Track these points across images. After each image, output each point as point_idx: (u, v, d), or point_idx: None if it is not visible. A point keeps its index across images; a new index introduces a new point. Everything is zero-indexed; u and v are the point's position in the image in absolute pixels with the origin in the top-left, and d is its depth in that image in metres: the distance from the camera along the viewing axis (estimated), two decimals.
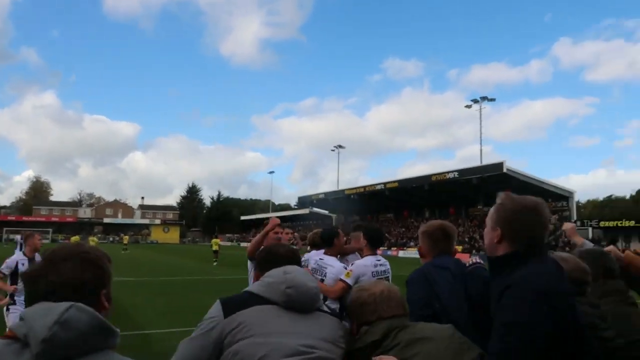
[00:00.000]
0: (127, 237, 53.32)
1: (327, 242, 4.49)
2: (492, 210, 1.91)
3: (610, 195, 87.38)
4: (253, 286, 1.76)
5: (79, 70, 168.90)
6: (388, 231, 60.52)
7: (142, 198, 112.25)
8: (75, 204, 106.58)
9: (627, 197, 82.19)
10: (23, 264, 5.96)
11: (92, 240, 30.42)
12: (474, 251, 43.66)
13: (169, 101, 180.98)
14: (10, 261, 6.06)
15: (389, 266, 4.30)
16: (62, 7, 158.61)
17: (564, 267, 2.00)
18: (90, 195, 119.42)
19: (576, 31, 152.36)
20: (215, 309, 1.68)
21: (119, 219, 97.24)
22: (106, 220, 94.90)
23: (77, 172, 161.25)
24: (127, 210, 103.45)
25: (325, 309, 1.85)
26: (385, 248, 50.04)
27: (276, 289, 1.68)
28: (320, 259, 4.39)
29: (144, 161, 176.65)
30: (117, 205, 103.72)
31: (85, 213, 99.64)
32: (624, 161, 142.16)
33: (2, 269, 6.06)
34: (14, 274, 6.01)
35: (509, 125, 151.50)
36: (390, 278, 4.18)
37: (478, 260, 2.34)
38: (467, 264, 2.31)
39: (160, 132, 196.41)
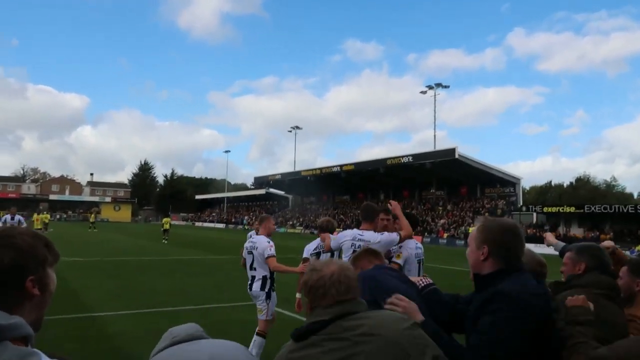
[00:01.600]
0: (92, 215, 48.41)
1: (370, 217, 4.73)
2: (475, 231, 2.10)
3: (550, 182, 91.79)
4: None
5: (21, 34, 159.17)
6: (344, 213, 61.33)
7: (92, 174, 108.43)
8: (18, 179, 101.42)
9: (567, 183, 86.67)
10: None
11: (45, 218, 29.15)
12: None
13: (121, 73, 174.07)
14: None
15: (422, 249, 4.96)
16: None
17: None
18: (35, 170, 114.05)
19: (530, 22, 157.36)
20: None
21: (66, 196, 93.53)
22: (52, 197, 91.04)
23: (21, 145, 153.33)
24: (75, 186, 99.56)
25: None
26: (340, 229, 50.68)
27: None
28: (360, 234, 4.56)
29: (93, 136, 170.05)
30: (64, 181, 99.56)
31: (29, 189, 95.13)
32: (569, 149, 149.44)
33: None
34: None
35: (464, 111, 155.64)
36: (423, 261, 4.87)
37: (429, 281, 2.47)
38: (419, 286, 2.43)
39: (112, 105, 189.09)
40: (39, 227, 27.06)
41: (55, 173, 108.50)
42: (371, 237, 4.45)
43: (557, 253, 3.50)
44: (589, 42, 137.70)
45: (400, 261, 4.56)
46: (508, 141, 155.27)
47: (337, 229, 5.93)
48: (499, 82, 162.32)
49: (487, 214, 46.52)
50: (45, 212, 41.39)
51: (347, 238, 4.58)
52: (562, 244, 3.53)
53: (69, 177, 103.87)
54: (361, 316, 1.61)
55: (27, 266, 1.18)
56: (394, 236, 4.48)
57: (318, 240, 5.76)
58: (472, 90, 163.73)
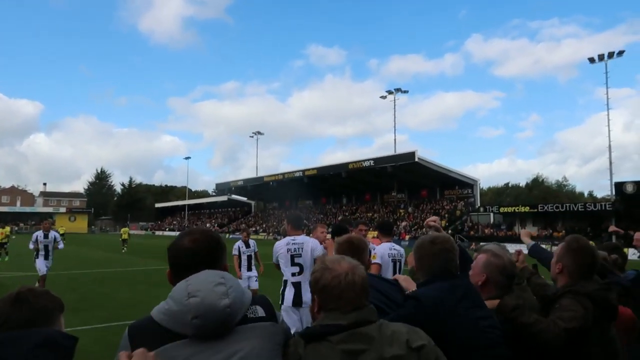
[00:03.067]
0: (62, 228, 46.09)
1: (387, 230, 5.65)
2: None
3: (508, 183, 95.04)
4: (156, 311, 1.50)
5: None
6: (307, 217, 61.33)
7: (45, 184, 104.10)
8: None
9: (522, 184, 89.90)
10: None
11: (6, 230, 27.84)
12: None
13: (78, 79, 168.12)
14: None
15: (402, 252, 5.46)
16: None
17: (496, 263, 2.35)
18: None
19: (487, 29, 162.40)
20: (123, 342, 1.47)
21: (18, 207, 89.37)
22: (2, 208, 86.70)
23: None
24: (27, 197, 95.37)
25: (257, 311, 1.57)
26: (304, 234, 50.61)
27: (181, 321, 1.41)
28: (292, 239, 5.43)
29: (47, 144, 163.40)
30: (14, 191, 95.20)
31: None
32: (524, 151, 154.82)
33: None
34: None
35: (424, 115, 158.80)
36: (401, 262, 5.38)
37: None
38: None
39: (68, 112, 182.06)
40: (4, 240, 25.58)
41: (5, 183, 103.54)
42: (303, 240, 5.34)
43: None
44: (542, 49, 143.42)
45: (377, 260, 5.09)
46: (466, 144, 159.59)
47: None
48: (457, 86, 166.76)
49: (447, 215, 47.65)
50: (5, 226, 39.50)
51: (281, 249, 5.33)
52: (532, 242, 3.60)
53: (20, 188, 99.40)
54: (376, 327, 1.56)
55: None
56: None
57: (291, 239, 5.53)
58: (432, 94, 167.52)
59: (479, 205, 50.47)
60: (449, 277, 2.09)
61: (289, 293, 5.21)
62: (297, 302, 5.13)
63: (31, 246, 11.90)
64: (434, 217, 3.17)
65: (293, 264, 5.26)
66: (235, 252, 9.79)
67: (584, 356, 2.31)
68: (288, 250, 5.26)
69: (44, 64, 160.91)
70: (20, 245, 36.13)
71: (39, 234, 11.96)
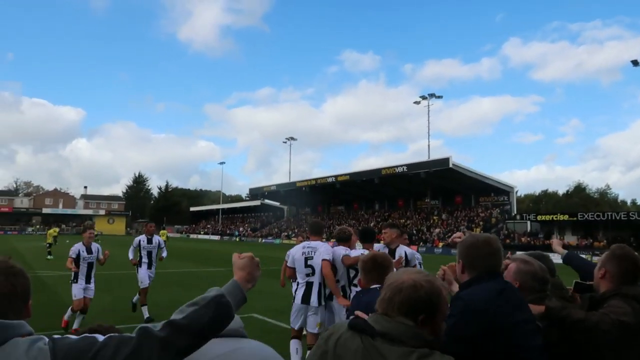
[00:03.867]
0: (55, 229, 50.46)
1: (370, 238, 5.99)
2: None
3: (546, 190, 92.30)
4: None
5: (17, 48, 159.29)
6: (339, 223, 61.25)
7: (85, 187, 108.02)
8: (11, 192, 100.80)
9: (562, 192, 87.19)
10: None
11: (54, 231, 29.77)
12: (421, 243, 45.09)
13: (118, 86, 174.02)
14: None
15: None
16: None
17: (527, 269, 2.42)
18: (28, 184, 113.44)
19: (525, 32, 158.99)
20: None
21: (60, 209, 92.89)
22: (45, 210, 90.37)
23: (15, 159, 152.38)
24: (69, 200, 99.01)
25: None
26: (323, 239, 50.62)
27: None
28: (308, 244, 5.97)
29: (88, 149, 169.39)
30: (57, 194, 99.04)
31: (22, 203, 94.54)
32: (564, 157, 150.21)
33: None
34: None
35: (460, 121, 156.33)
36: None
37: None
38: None
39: (107, 118, 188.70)
40: (50, 241, 27.17)
41: (49, 186, 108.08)
42: (318, 245, 5.80)
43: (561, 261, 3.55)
44: (584, 51, 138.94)
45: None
46: (503, 150, 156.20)
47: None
48: (494, 91, 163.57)
49: (482, 222, 46.73)
50: (54, 227, 42.38)
51: (297, 252, 5.83)
52: (565, 251, 3.61)
53: (62, 191, 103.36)
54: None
55: (29, 291, 1.49)
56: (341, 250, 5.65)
57: (306, 244, 5.92)
58: (468, 99, 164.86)
59: (515, 212, 49.30)
60: (496, 277, 2.10)
61: (300, 292, 5.73)
62: (306, 300, 5.65)
63: (131, 255, 10.14)
64: (459, 234, 3.17)
65: (306, 265, 5.74)
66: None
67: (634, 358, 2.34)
68: (303, 253, 5.79)
69: (86, 71, 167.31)
70: (64, 246, 37.49)
71: (142, 238, 10.13)
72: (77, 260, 8.64)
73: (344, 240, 5.87)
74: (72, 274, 8.75)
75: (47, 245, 26.92)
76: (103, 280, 16.16)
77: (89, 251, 8.87)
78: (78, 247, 8.79)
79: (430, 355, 1.46)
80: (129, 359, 1.29)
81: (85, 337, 1.33)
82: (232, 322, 1.50)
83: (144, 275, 9.78)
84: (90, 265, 8.89)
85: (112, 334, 1.36)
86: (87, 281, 8.79)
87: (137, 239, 10.20)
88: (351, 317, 1.70)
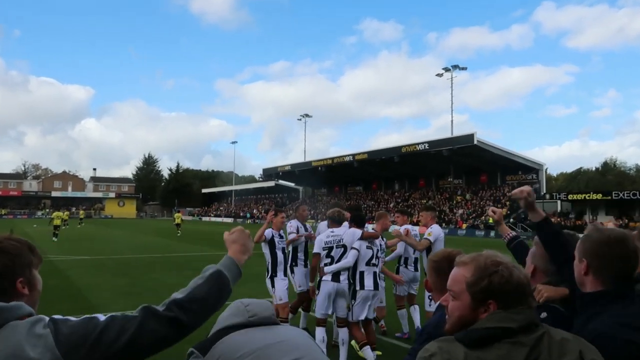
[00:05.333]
0: (82, 211, 53.84)
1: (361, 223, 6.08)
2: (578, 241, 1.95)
3: (580, 168, 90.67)
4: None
5: (23, 25, 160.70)
6: (357, 206, 61.29)
7: (94, 169, 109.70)
8: (20, 176, 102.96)
9: (595, 169, 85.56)
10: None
11: (65, 215, 30.95)
12: (443, 224, 44.94)
13: (127, 63, 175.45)
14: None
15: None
16: None
17: (540, 252, 2.38)
18: (36, 167, 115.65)
19: None
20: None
21: (69, 192, 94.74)
22: (54, 193, 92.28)
23: (23, 141, 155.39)
24: (78, 182, 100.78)
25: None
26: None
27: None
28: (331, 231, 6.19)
29: (97, 129, 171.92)
30: (66, 177, 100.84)
31: (31, 186, 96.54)
32: (599, 132, 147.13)
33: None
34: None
35: (486, 94, 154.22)
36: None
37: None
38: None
39: (117, 96, 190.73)
40: (58, 223, 28.08)
41: (57, 169, 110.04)
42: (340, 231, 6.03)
43: None
44: (625, 15, 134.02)
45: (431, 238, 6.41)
46: (533, 125, 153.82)
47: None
48: (525, 61, 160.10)
49: (508, 203, 46.28)
50: (65, 211, 44.24)
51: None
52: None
53: (71, 173, 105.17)
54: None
55: (16, 269, 1.42)
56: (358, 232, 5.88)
57: (330, 231, 6.04)
58: (496, 70, 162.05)
59: (544, 192, 48.68)
60: (629, 293, 1.77)
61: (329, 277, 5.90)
62: (336, 279, 5.81)
63: (289, 247, 7.23)
64: (495, 209, 3.13)
65: (327, 256, 5.98)
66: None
67: None
68: (326, 242, 5.99)
69: (94, 47, 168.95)
70: (76, 230, 38.32)
71: (297, 224, 7.35)
72: (272, 247, 6.88)
73: (337, 222, 6.12)
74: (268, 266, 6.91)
75: (54, 227, 27.78)
76: (118, 263, 16.53)
77: (306, 230, 7.32)
78: (295, 223, 7.30)
79: None
80: (134, 337, 1.32)
81: (86, 320, 1.35)
82: (263, 309, 1.60)
83: (301, 278, 7.10)
84: (305, 248, 7.28)
85: (113, 314, 1.38)
86: (306, 264, 7.17)
87: (292, 223, 7.33)
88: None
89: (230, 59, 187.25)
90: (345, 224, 6.14)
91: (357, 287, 5.69)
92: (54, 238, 26.60)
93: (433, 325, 2.06)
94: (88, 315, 1.38)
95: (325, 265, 5.85)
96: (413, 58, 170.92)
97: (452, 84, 55.38)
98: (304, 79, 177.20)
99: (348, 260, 5.71)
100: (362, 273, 5.71)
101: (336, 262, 5.79)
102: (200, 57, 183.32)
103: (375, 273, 5.79)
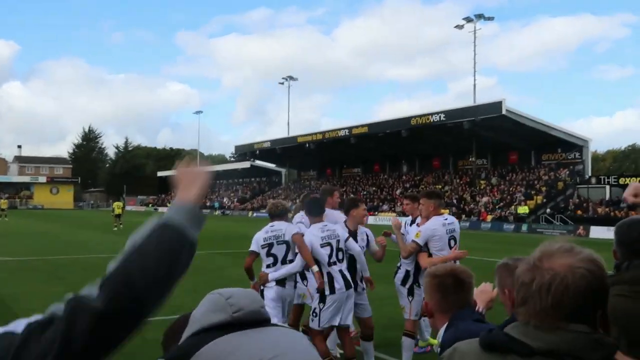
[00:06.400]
0: (5, 200, 52.79)
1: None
2: None
3: (634, 144, 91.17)
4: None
5: None
6: (354, 190, 61.52)
7: (19, 147, 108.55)
8: None
9: None
10: None
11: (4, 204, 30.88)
12: (463, 216, 45.25)
13: (63, 10, 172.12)
14: None
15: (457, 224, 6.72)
16: None
17: None
18: None
19: None
20: None
21: None
22: None
23: None
24: None
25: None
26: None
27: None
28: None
29: (23, 96, 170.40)
30: None
31: None
32: None
33: None
34: None
35: (518, 51, 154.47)
36: (458, 236, 6.57)
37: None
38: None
39: (49, 54, 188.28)
40: None
41: None
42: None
43: None
44: None
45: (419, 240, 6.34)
46: (578, 90, 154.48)
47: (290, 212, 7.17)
48: (569, 9, 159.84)
49: (544, 188, 46.61)
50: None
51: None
52: None
53: None
54: None
55: None
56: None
57: (321, 225, 6.30)
58: (532, 21, 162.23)
59: (590, 174, 49.07)
60: None
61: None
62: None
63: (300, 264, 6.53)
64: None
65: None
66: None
67: None
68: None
69: None
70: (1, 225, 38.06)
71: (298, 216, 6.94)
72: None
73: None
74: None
75: None
76: (53, 265, 16.49)
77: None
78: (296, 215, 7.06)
79: None
80: (63, 348, 1.15)
81: (2, 335, 1.20)
82: (249, 302, 1.51)
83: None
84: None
85: (30, 322, 1.21)
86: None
87: (294, 218, 6.98)
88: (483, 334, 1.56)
89: (194, 6, 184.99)
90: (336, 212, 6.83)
91: (327, 292, 5.97)
92: None
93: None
94: (4, 328, 1.22)
95: (268, 266, 6.43)
96: (427, 5, 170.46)
97: (475, 38, 55.24)
98: (290, 31, 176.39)
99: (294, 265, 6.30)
100: (329, 274, 6.04)
101: (281, 263, 6.38)
102: (156, 3, 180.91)
103: (341, 271, 6.11)
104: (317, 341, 5.87)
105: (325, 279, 5.99)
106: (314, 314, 6.01)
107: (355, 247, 6.39)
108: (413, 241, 6.32)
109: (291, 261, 6.32)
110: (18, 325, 1.21)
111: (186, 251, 1.35)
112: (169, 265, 1.31)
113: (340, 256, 6.15)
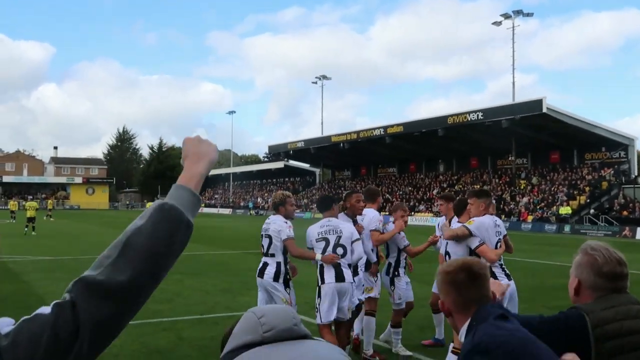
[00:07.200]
0: (50, 200, 55.69)
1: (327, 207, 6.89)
2: None
3: None
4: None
5: None
6: (390, 190, 61.33)
7: (56, 149, 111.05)
8: None
9: None
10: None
11: (35, 205, 32.69)
12: (503, 216, 44.69)
13: (96, 13, 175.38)
14: None
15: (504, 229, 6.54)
16: None
17: (588, 260, 2.45)
18: None
19: None
20: None
21: (24, 177, 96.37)
22: (6, 178, 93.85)
23: None
24: (35, 164, 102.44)
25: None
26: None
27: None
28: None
29: (59, 97, 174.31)
30: (20, 157, 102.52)
31: None
32: None
33: None
34: None
35: (560, 48, 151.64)
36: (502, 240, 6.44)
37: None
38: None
39: (83, 56, 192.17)
40: (33, 214, 30.52)
41: (9, 148, 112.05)
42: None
43: None
44: None
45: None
46: (623, 88, 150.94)
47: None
48: (614, 4, 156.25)
49: (588, 188, 45.77)
50: (31, 199, 46.71)
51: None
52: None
53: (26, 153, 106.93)
54: None
55: None
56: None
57: (324, 221, 6.63)
58: (575, 16, 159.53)
59: (636, 174, 48.05)
60: None
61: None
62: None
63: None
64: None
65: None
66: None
67: None
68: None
69: None
70: (45, 225, 39.13)
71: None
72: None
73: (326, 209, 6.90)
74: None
75: (27, 220, 30.20)
76: (88, 265, 16.82)
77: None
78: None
79: None
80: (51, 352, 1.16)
81: (26, 321, 1.21)
82: (282, 320, 1.48)
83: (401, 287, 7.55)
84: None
85: (57, 302, 1.25)
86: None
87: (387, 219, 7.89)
88: None
89: (227, 5, 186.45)
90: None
91: (319, 283, 6.30)
92: (33, 232, 29.46)
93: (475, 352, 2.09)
94: (26, 317, 1.22)
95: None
96: (464, 1, 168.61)
97: (513, 34, 54.69)
98: (323, 30, 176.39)
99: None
100: (321, 266, 6.35)
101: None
102: (189, 4, 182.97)
103: (337, 265, 6.27)
104: (325, 335, 6.06)
105: (317, 271, 6.36)
106: (316, 309, 6.33)
107: (358, 251, 6.44)
108: (464, 226, 6.11)
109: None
110: (44, 309, 1.24)
111: (183, 231, 1.42)
112: (166, 244, 1.40)
113: (340, 251, 6.29)
